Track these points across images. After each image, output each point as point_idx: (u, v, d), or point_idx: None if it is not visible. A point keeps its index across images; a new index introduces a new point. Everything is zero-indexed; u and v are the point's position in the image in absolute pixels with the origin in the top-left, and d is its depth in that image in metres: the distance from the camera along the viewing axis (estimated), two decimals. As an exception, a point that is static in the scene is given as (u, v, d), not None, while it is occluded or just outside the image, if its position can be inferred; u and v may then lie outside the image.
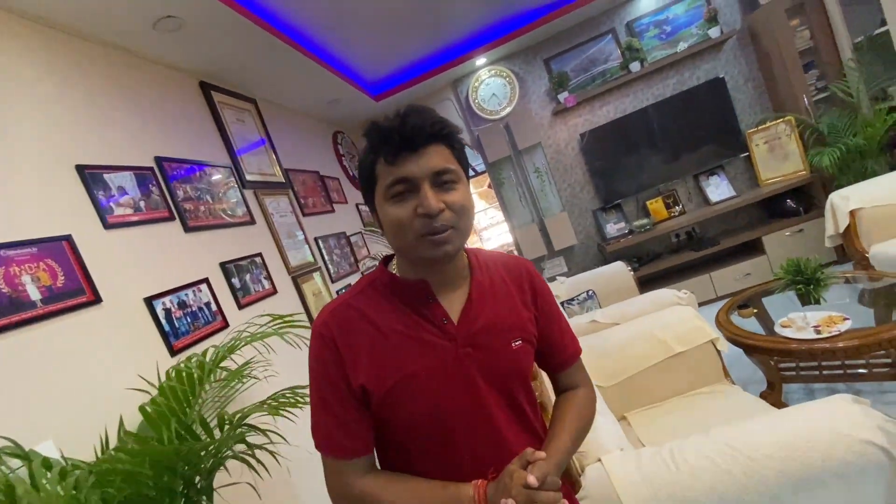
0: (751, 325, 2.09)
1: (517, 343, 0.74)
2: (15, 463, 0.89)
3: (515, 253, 4.58)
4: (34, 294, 1.15)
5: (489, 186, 8.23)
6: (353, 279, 3.07)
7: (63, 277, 1.24)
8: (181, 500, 0.98)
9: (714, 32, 3.37)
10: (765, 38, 3.31)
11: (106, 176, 1.48)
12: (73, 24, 1.52)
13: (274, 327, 1.21)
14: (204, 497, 1.06)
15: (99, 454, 1.12)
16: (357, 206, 3.61)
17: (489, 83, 3.82)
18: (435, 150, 0.65)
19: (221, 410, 1.12)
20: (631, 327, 1.90)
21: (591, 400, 0.86)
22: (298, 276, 2.39)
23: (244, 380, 1.21)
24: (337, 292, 2.77)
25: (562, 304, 2.80)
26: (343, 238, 3.12)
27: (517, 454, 0.65)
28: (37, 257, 1.19)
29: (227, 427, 1.04)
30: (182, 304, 1.59)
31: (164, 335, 1.48)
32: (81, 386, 1.19)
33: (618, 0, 3.50)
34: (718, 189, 3.60)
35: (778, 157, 3.37)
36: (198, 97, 2.14)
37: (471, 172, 5.42)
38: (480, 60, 3.67)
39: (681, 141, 3.57)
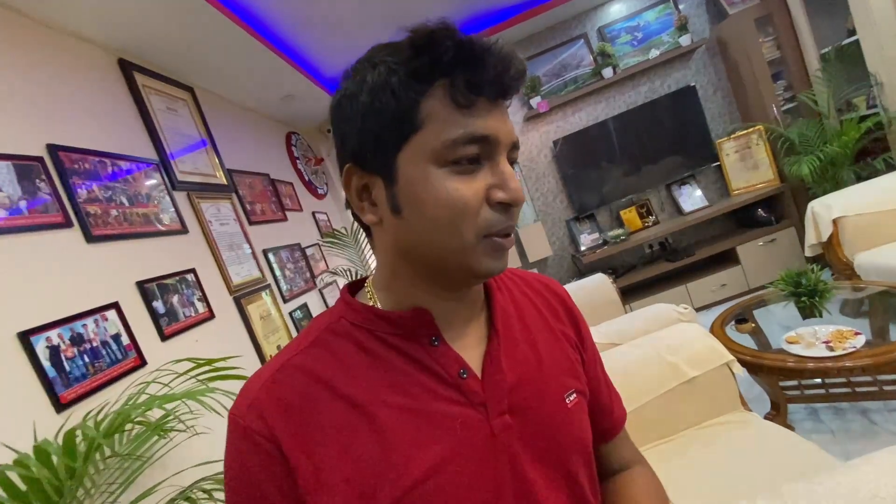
0: (742, 340, 1.95)
1: (572, 398, 0.50)
2: None
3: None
4: None
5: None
6: (310, 297, 2.69)
7: None
8: None
9: (685, 40, 3.33)
10: (733, 47, 3.30)
11: (-36, 165, 1.08)
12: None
13: (201, 377, 0.85)
14: None
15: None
16: (314, 214, 3.24)
17: (458, 85, 3.60)
18: (508, 111, 0.44)
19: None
20: (635, 349, 1.68)
21: (660, 483, 0.60)
22: (243, 296, 2.01)
23: (146, 455, 0.84)
24: (290, 314, 2.39)
25: (544, 321, 2.57)
26: (298, 250, 2.74)
27: None
28: None
29: None
30: (77, 339, 1.19)
31: (48, 383, 1.08)
32: None
33: (589, 3, 3.39)
34: (691, 198, 3.54)
35: (748, 166, 3.35)
36: (116, 78, 1.74)
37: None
38: (449, 60, 3.45)
39: (653, 149, 3.50)
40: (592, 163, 3.55)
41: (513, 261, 3.66)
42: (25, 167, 1.22)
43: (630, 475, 0.60)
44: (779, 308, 2.09)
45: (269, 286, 2.28)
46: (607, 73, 3.43)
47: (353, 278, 2.86)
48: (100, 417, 0.85)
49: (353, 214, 0.47)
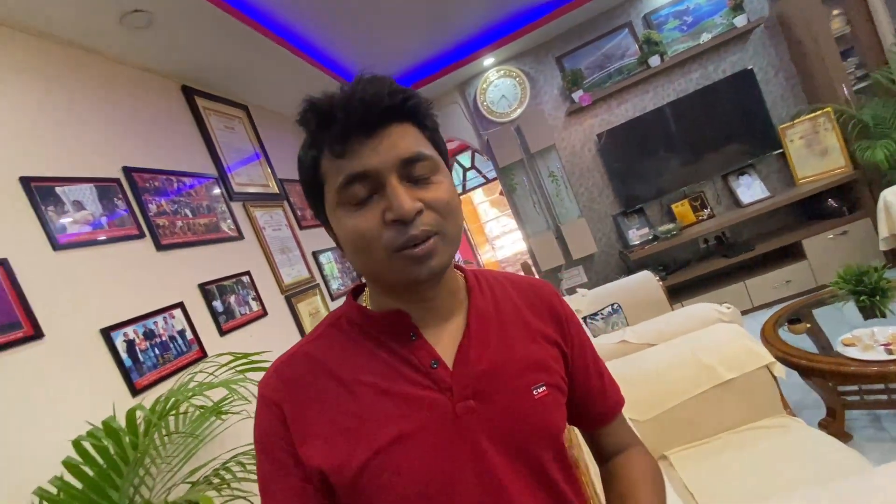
0: (801, 341, 1.81)
1: (540, 390, 0.54)
2: None
3: (530, 262, 4.33)
4: (-49, 332, 0.96)
5: (501, 193, 8.02)
6: (356, 296, 2.85)
7: (-7, 309, 1.04)
8: None
9: (740, 21, 3.12)
10: (797, 25, 3.04)
11: (59, 189, 1.29)
12: (22, 20, 1.35)
13: (239, 368, 0.99)
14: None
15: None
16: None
17: (498, 84, 3.62)
18: (399, 131, 0.47)
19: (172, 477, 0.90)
20: (669, 349, 1.64)
21: (656, 464, 0.64)
22: (293, 295, 2.19)
23: (203, 434, 0.98)
24: (337, 311, 2.56)
25: (584, 319, 2.54)
26: (344, 252, 2.91)
27: None
28: (-43, 287, 0.99)
29: None
30: (149, 335, 1.38)
31: (125, 372, 1.27)
32: (12, 439, 0.99)
33: (633, -9, 3.27)
34: (750, 189, 3.31)
35: (816, 152, 3.07)
36: (180, 103, 1.97)
37: (480, 179, 5.18)
38: (488, 60, 3.48)
39: (706, 139, 3.30)
40: (641, 155, 3.43)
41: (555, 258, 3.63)
42: (105, 188, 1.43)
43: (626, 457, 0.63)
44: (848, 307, 1.92)
45: (317, 285, 2.45)
46: (654, 61, 3.28)
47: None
48: (162, 401, 1.01)
49: None
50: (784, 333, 1.94)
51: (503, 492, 0.49)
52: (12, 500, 0.92)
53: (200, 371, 1.17)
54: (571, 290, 3.47)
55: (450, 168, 0.54)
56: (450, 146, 6.24)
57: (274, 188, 2.41)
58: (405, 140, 0.47)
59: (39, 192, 1.24)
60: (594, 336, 2.38)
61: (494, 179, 6.89)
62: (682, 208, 3.42)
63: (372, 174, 0.46)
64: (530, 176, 3.68)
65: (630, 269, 3.30)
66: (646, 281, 2.72)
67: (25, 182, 1.21)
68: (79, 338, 1.20)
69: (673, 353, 1.62)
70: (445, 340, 0.53)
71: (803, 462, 1.25)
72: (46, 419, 1.06)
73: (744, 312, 3.08)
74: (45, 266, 1.19)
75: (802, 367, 1.69)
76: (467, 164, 6.96)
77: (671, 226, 3.29)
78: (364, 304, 0.56)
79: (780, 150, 3.20)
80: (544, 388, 0.54)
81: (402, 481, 0.47)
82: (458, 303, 0.57)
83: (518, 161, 3.62)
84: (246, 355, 1.06)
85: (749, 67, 3.18)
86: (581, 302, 2.73)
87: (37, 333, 1.10)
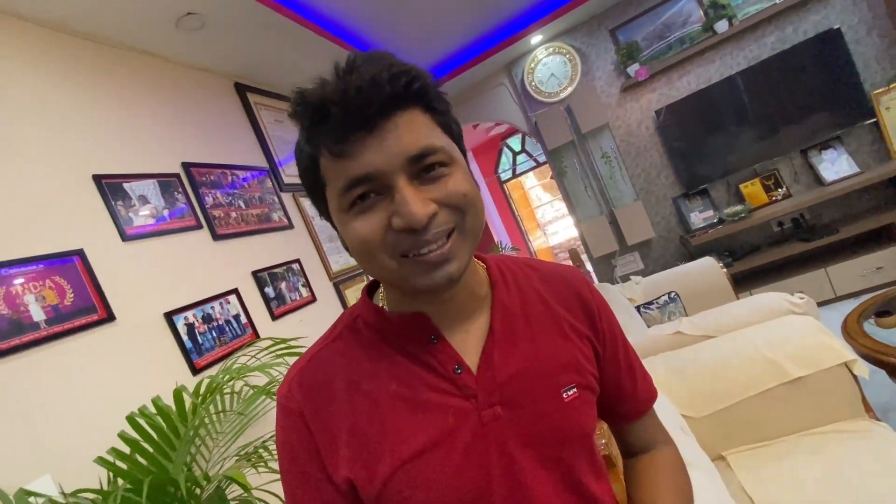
0: (891, 336, 1.60)
1: (571, 392, 0.50)
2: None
3: (580, 249, 4.17)
4: (37, 315, 1.08)
5: (552, 177, 7.78)
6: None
7: (72, 295, 1.16)
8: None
9: (826, -27, 2.75)
10: (898, -29, 2.63)
11: (126, 185, 1.41)
12: (90, 30, 1.47)
13: (279, 352, 1.04)
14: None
15: (105, 487, 1.02)
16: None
17: (546, 62, 3.47)
18: (405, 121, 0.41)
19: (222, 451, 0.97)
20: (729, 342, 1.52)
21: (683, 465, 0.60)
22: (341, 282, 2.26)
23: (253, 413, 1.05)
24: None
25: (637, 308, 2.41)
26: (391, 239, 2.96)
27: None
28: (42, 275, 1.12)
29: (206, 486, 0.87)
30: (207, 318, 1.49)
31: (186, 352, 1.38)
32: (90, 412, 1.11)
33: (698, -50, 2.98)
34: (835, 165, 2.95)
35: (919, 120, 2.67)
36: (232, 99, 2.07)
37: (531, 163, 5.05)
38: (536, 38, 3.34)
39: (783, 110, 2.98)
40: (705, 131, 3.16)
41: (608, 243, 3.47)
42: (166, 183, 1.54)
43: (652, 458, 0.60)
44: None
45: (363, 272, 2.52)
46: (721, 26, 2.99)
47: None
48: (207, 383, 1.08)
49: None
50: (870, 327, 1.72)
51: (533, 496, 0.47)
52: (91, 468, 1.03)
53: (244, 354, 1.24)
54: (625, 278, 3.31)
55: (464, 153, 0.48)
56: (497, 130, 6.13)
57: (322, 178, 2.48)
58: (412, 132, 0.41)
59: (110, 188, 1.36)
60: (647, 326, 2.25)
61: (545, 163, 6.69)
62: (752, 188, 3.13)
63: (376, 176, 0.40)
64: (581, 158, 3.52)
65: (691, 256, 3.09)
66: (708, 268, 2.53)
67: (97, 179, 1.33)
68: (145, 321, 1.32)
69: (733, 347, 1.49)
70: (469, 342, 0.50)
71: (887, 473, 1.11)
72: (117, 394, 1.18)
73: (823, 303, 2.79)
74: (115, 256, 1.30)
75: (892, 366, 1.50)
76: (517, 147, 6.80)
77: (739, 207, 3.02)
78: (380, 304, 0.52)
79: (873, 120, 2.82)
80: (574, 390, 0.50)
81: (429, 495, 0.44)
82: (481, 299, 0.52)
83: (568, 143, 3.47)
84: (284, 340, 1.11)
85: (836, 27, 2.81)
86: (634, 290, 2.60)
87: (109, 317, 1.22)
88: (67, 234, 1.21)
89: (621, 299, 2.34)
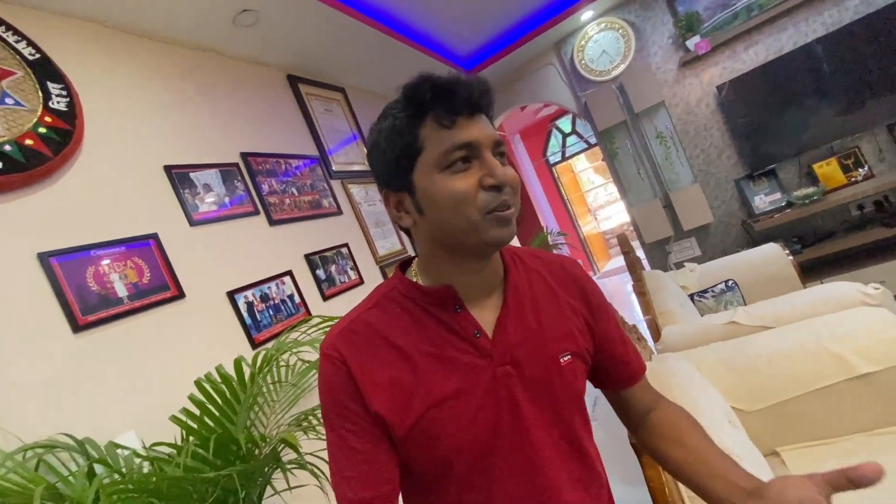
0: None
1: (566, 358, 0.61)
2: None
3: (630, 234, 4.02)
4: (121, 291, 1.22)
5: (603, 159, 7.47)
6: (448, 267, 2.95)
7: (149, 274, 1.30)
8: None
9: (928, -80, 2.41)
10: None
11: (192, 175, 1.54)
12: (155, 29, 1.59)
13: (327, 329, 1.11)
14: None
15: (179, 443, 1.15)
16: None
17: (598, 39, 3.32)
18: (486, 120, 0.56)
19: (278, 418, 1.06)
20: (789, 334, 1.43)
21: (686, 411, 0.69)
22: (387, 266, 2.34)
23: (305, 384, 1.14)
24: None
25: (691, 296, 2.31)
26: (436, 224, 3.01)
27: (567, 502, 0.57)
28: (124, 256, 1.26)
29: (263, 447, 0.97)
30: (264, 297, 1.61)
31: (246, 328, 1.51)
32: (164, 379, 1.25)
33: None
34: (931, 141, 2.63)
35: None
36: (285, 91, 2.17)
37: (581, 145, 4.91)
38: (587, 14, 3.20)
39: (867, 81, 2.67)
40: (774, 107, 2.91)
41: (662, 228, 3.31)
42: (227, 172, 1.66)
43: (663, 410, 0.68)
44: None
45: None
46: (796, -10, 2.72)
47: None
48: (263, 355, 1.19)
49: (395, 223, 0.62)
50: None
51: (534, 445, 0.58)
52: (166, 426, 1.17)
53: (297, 331, 1.34)
54: (679, 265, 3.17)
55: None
56: (546, 111, 5.96)
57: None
58: (491, 127, 0.56)
59: (178, 177, 1.49)
60: (701, 314, 2.15)
61: (596, 144, 6.44)
62: (827, 168, 2.86)
63: (474, 145, 0.53)
64: (634, 139, 3.36)
65: (754, 242, 2.89)
66: (772, 255, 2.36)
67: (168, 170, 1.46)
68: (211, 299, 1.45)
69: (794, 339, 1.40)
70: (486, 313, 0.60)
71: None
72: (187, 363, 1.31)
73: (909, 294, 2.52)
74: (184, 239, 1.44)
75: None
76: (567, 129, 6.59)
77: (811, 189, 2.78)
78: (413, 279, 0.61)
79: (982, 87, 2.47)
80: (569, 356, 0.61)
81: (453, 431, 0.55)
82: (498, 278, 0.62)
83: (620, 123, 3.33)
84: (333, 318, 1.19)
85: (939, -19, 2.47)
86: (689, 277, 2.48)
87: (180, 294, 1.35)
88: (144, 220, 1.35)
89: (672, 287, 2.25)
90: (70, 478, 0.90)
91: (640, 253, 3.64)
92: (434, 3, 2.44)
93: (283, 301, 1.68)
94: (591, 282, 0.70)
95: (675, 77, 3.20)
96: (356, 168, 2.44)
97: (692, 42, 3.00)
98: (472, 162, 0.53)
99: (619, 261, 7.43)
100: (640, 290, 1.95)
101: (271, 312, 1.61)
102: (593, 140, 6.41)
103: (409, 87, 0.54)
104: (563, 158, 6.76)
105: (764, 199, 3.03)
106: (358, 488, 0.54)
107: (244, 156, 1.76)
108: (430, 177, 0.53)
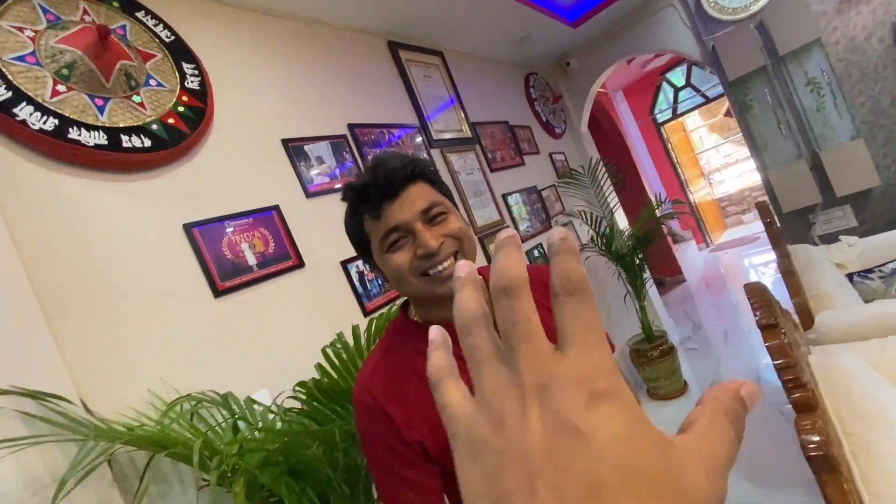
0: None
1: None
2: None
3: (767, 200, 3.48)
4: (251, 259, 1.30)
5: (726, 114, 6.53)
6: (544, 239, 2.80)
7: (273, 244, 1.37)
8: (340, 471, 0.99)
9: None
10: None
11: (306, 147, 1.58)
12: (267, 3, 1.62)
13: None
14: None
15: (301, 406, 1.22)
16: (550, 155, 3.26)
17: (733, -30, 2.80)
18: (415, 190, 0.64)
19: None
20: None
21: None
22: (485, 236, 2.27)
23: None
24: (526, 255, 2.57)
25: (850, 276, 1.93)
26: (534, 193, 2.86)
27: None
28: (252, 226, 1.33)
29: None
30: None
31: (358, 297, 1.55)
32: (290, 340, 1.33)
33: None
34: None
35: None
36: (386, 58, 2.14)
37: (696, 99, 4.38)
38: (720, -60, 2.70)
39: None
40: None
41: (807, 194, 2.81)
42: (336, 143, 1.69)
43: None
44: None
45: (507, 227, 2.49)
46: None
47: (590, 220, 2.80)
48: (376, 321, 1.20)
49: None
50: None
51: None
52: (290, 384, 1.25)
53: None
54: (829, 238, 2.68)
55: (452, 201, 0.71)
56: (655, 63, 5.34)
57: (467, 132, 2.47)
58: (421, 196, 0.64)
59: (294, 150, 1.54)
60: (863, 299, 1.79)
61: (717, 98, 5.63)
62: None
63: (402, 226, 0.63)
64: (776, 87, 2.84)
65: (939, 209, 2.33)
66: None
67: (285, 143, 1.52)
68: (326, 268, 1.50)
69: None
70: None
71: None
72: (308, 327, 1.38)
73: None
74: (301, 211, 1.49)
75: None
76: (680, 82, 5.84)
77: None
78: (414, 318, 0.70)
79: None
80: None
81: None
82: None
83: (758, 69, 2.83)
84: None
85: None
86: (847, 254, 2.08)
87: (300, 263, 1.42)
88: (266, 192, 1.42)
89: (826, 265, 1.90)
90: (217, 429, 0.99)
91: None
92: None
93: (389, 271, 1.70)
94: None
95: (836, 7, 2.61)
96: (455, 135, 2.36)
97: (866, -41, 2.40)
98: (409, 237, 0.63)
99: (736, 232, 6.60)
100: (787, 268, 1.66)
101: (380, 282, 1.64)
102: (712, 93, 5.62)
103: (343, 195, 0.68)
104: (674, 116, 6.06)
105: (957, 156, 2.40)
106: (417, 500, 0.63)
107: (351, 127, 1.77)
108: (380, 257, 0.66)
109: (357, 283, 1.56)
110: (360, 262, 1.59)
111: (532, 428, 0.16)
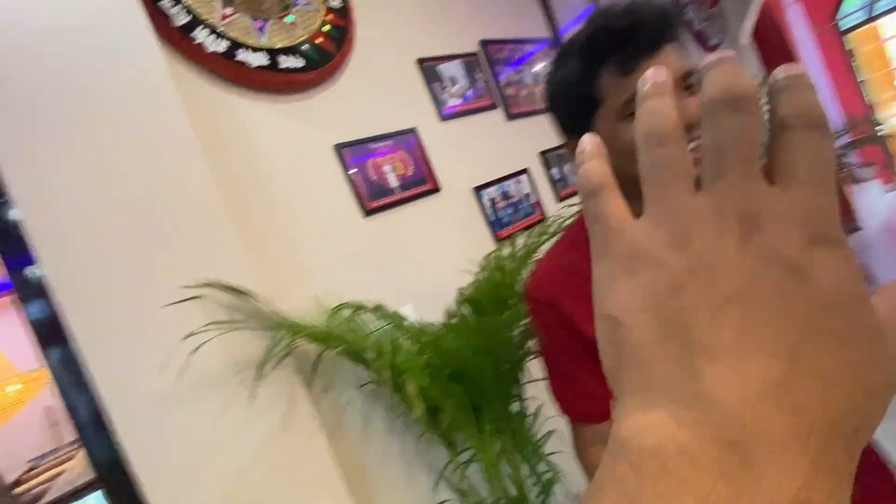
0: None
1: None
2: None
3: None
4: (393, 182, 1.32)
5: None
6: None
7: (412, 168, 1.37)
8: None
9: None
10: None
11: (439, 67, 1.52)
12: None
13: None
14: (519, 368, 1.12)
15: (443, 320, 1.26)
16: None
17: None
18: (672, 49, 0.52)
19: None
20: None
21: None
22: (622, 166, 2.05)
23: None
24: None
25: None
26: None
27: None
28: (392, 149, 1.34)
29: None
30: (505, 195, 1.58)
31: (490, 224, 1.52)
32: (429, 262, 1.36)
33: None
34: None
35: None
36: (519, -38, 1.92)
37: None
38: None
39: None
40: None
41: None
42: (469, 63, 1.60)
43: None
44: None
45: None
46: None
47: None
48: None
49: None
50: None
51: None
52: (431, 303, 1.28)
53: (543, 231, 1.25)
54: None
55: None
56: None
57: (605, 47, 2.18)
58: (678, 57, 0.53)
59: (427, 71, 1.48)
60: None
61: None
62: None
63: None
64: None
65: None
66: None
67: (420, 63, 1.47)
68: (460, 194, 1.48)
69: None
70: None
71: None
72: (445, 253, 1.39)
73: None
74: (435, 134, 1.46)
75: None
76: (885, -29, 4.48)
77: None
78: None
79: None
80: None
81: None
82: None
83: None
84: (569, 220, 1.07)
85: None
86: None
87: (436, 188, 1.41)
88: (404, 115, 1.41)
89: None
90: (374, 334, 1.06)
91: None
92: None
93: (520, 200, 1.62)
94: None
95: None
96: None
97: None
98: None
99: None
100: None
101: (511, 211, 1.58)
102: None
103: (583, 35, 0.54)
104: (869, 19, 4.74)
105: None
106: (584, 405, 0.62)
107: (483, 44, 1.65)
108: (613, 126, 0.53)
109: (489, 211, 1.52)
110: (491, 190, 1.54)
111: (731, 253, 0.14)
